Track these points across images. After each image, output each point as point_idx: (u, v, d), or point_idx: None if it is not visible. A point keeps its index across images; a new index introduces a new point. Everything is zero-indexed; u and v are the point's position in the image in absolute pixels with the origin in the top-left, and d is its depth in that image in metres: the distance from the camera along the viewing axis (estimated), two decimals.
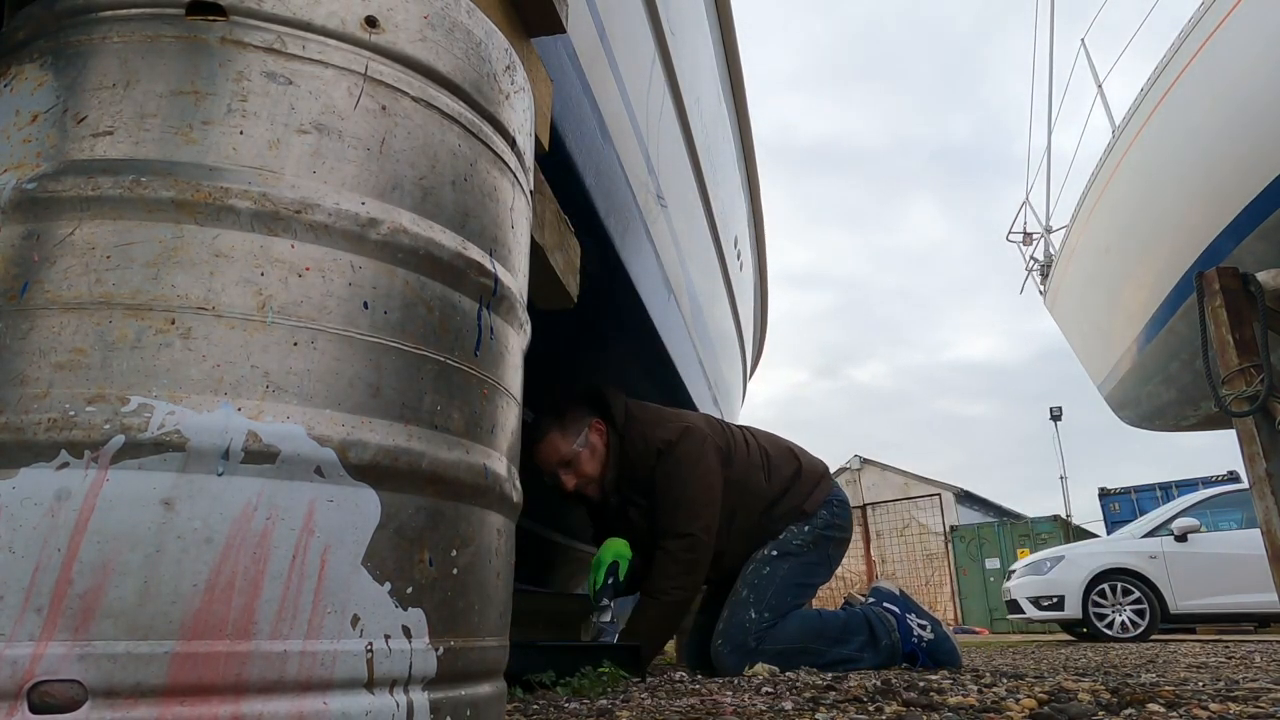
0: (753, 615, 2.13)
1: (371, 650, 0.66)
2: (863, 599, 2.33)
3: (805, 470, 2.34)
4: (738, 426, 2.52)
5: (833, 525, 2.28)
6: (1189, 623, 7.82)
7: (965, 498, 19.79)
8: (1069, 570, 7.39)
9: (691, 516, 2.09)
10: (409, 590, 0.70)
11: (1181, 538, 7.16)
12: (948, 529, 18.19)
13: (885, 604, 2.27)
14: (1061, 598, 7.31)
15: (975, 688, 1.96)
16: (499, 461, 0.84)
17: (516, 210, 0.97)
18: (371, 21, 0.81)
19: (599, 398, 2.35)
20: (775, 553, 2.23)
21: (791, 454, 2.42)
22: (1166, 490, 15.89)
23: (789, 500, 2.28)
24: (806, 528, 2.25)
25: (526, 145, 1.03)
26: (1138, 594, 7.04)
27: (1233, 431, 3.01)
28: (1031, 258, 11.76)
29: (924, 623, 2.23)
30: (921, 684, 2.03)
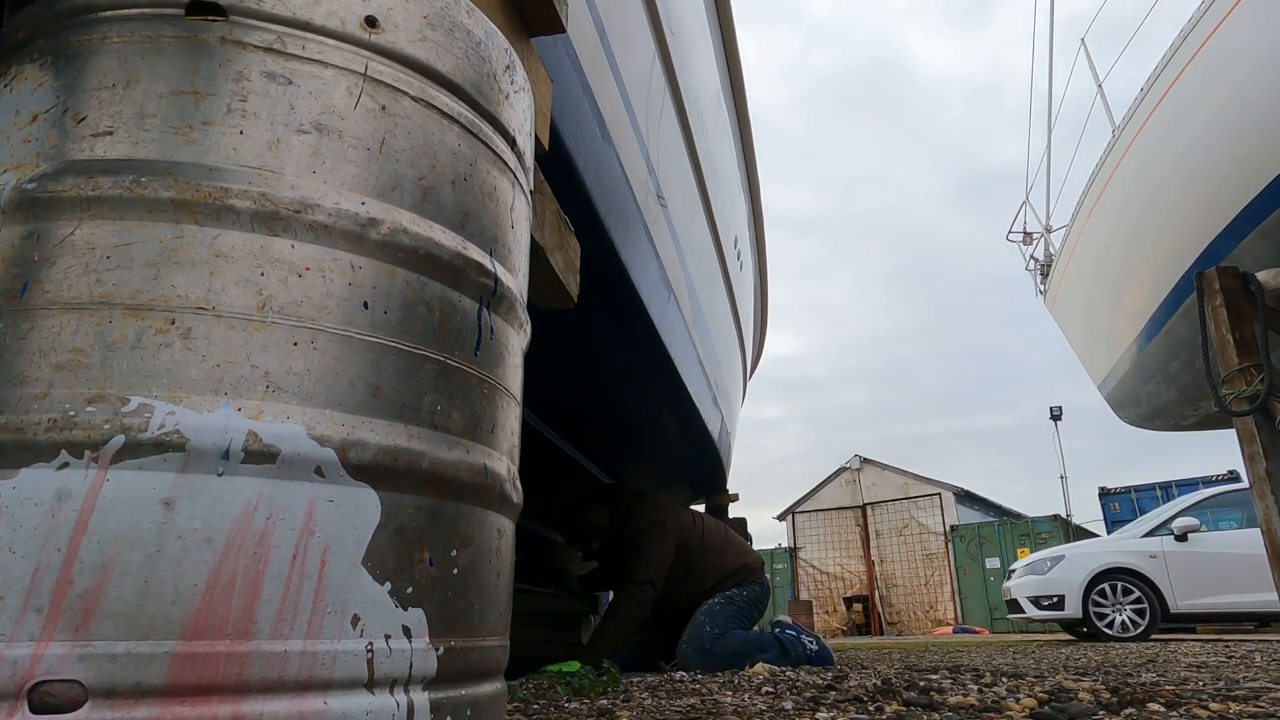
0: (708, 629, 3.32)
1: (372, 650, 0.65)
2: (776, 629, 3.60)
3: (749, 564, 3.72)
4: (713, 524, 3.82)
5: (759, 597, 3.70)
6: (1189, 622, 7.80)
7: (965, 497, 19.73)
8: (1069, 570, 7.37)
9: (647, 571, 3.36)
10: (409, 590, 0.69)
11: (1181, 537, 7.14)
12: (948, 529, 18.15)
13: (788, 630, 3.54)
14: (1061, 597, 7.29)
15: (975, 687, 1.96)
16: (499, 461, 0.84)
17: (516, 210, 0.97)
18: (371, 21, 0.81)
19: (602, 503, 3.66)
20: (722, 600, 3.51)
21: (742, 552, 3.76)
22: (1166, 490, 15.86)
23: (733, 579, 3.62)
24: (745, 592, 3.60)
25: (526, 145, 1.03)
26: (1138, 593, 7.02)
27: (1232, 431, 3.01)
28: (1031, 257, 11.75)
29: (811, 639, 3.52)
30: (921, 684, 2.03)
